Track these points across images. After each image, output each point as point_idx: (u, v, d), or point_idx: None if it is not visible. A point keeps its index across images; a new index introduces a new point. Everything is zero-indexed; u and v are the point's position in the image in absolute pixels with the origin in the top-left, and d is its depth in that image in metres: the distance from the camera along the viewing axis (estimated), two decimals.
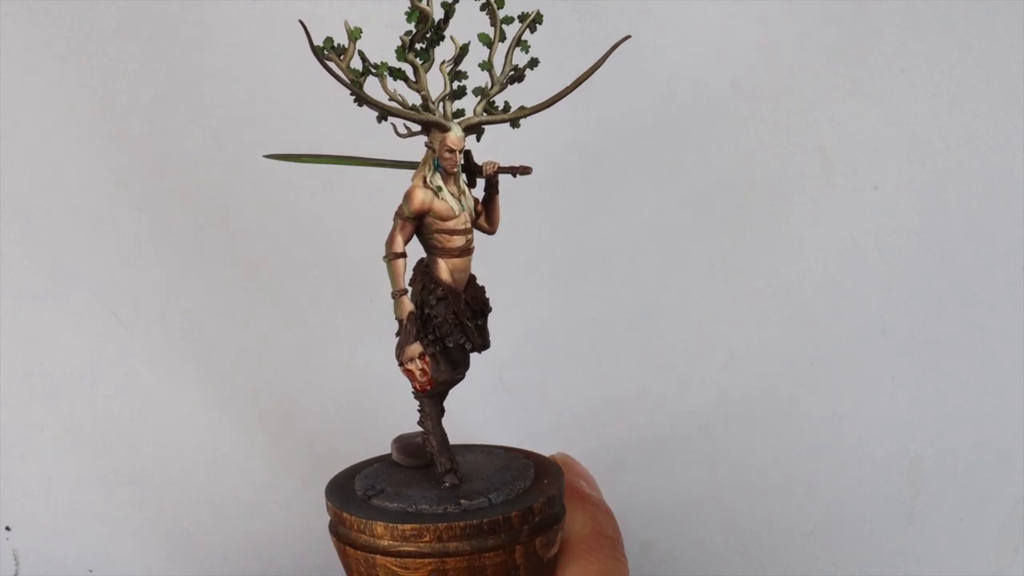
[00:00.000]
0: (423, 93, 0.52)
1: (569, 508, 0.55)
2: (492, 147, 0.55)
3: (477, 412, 0.79)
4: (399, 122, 0.52)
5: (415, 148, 0.54)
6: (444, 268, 0.53)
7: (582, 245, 0.81)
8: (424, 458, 0.56)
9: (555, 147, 0.78)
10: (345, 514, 0.52)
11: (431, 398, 0.55)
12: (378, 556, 0.51)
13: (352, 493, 0.54)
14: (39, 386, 0.78)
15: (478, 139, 0.55)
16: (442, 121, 0.52)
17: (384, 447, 0.60)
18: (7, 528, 0.78)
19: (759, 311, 0.81)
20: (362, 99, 0.50)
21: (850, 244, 0.81)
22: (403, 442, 0.58)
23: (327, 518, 0.55)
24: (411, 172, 0.54)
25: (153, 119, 0.77)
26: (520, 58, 0.54)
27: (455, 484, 0.53)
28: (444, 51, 0.53)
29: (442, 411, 0.56)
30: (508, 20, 0.53)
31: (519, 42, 0.53)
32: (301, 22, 0.47)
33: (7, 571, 0.78)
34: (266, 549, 0.80)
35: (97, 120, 0.76)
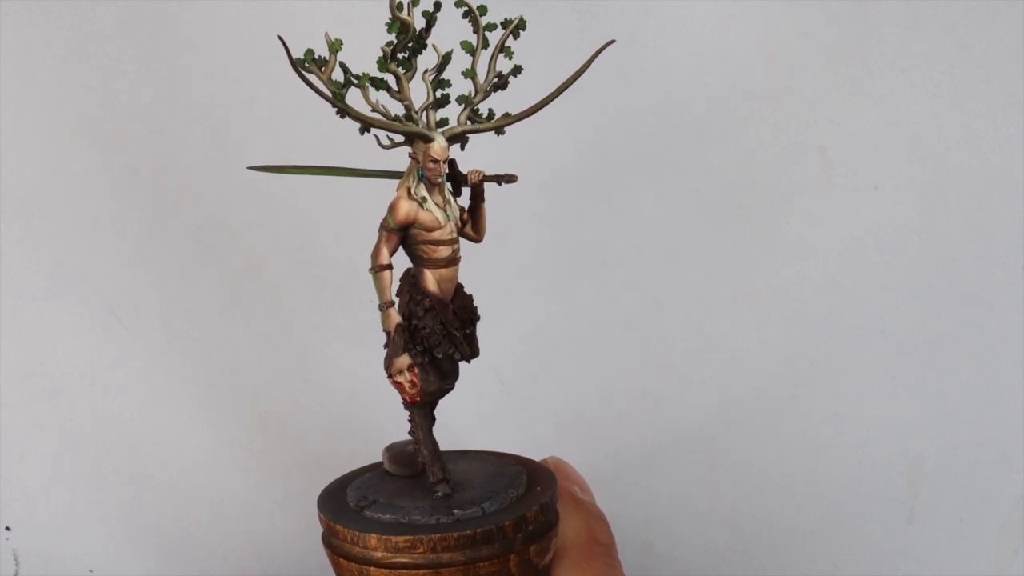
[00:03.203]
0: (406, 103, 0.51)
1: (563, 514, 0.55)
2: (487, 152, 0.55)
3: (476, 414, 0.79)
4: (382, 133, 0.52)
5: (404, 155, 0.53)
6: (431, 279, 0.53)
7: (582, 246, 0.81)
8: (416, 467, 0.56)
9: (555, 148, 0.78)
10: (338, 526, 0.51)
11: (421, 408, 0.54)
12: (372, 568, 0.50)
13: (345, 504, 0.54)
14: (39, 386, 0.78)
15: (462, 148, 0.54)
16: (425, 132, 0.51)
17: (383, 447, 0.60)
18: (7, 528, 0.78)
19: (759, 311, 0.81)
20: (343, 111, 0.50)
21: (850, 244, 0.81)
22: (395, 451, 0.57)
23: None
24: (390, 179, 0.54)
25: (153, 119, 0.77)
26: (504, 65, 0.53)
27: (447, 494, 0.53)
28: (427, 60, 0.52)
29: (433, 420, 0.56)
30: (491, 27, 0.52)
31: (503, 48, 0.53)
32: (280, 37, 0.47)
33: (7, 571, 0.78)
34: (266, 549, 0.80)
35: (97, 120, 0.76)
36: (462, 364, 0.55)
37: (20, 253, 0.77)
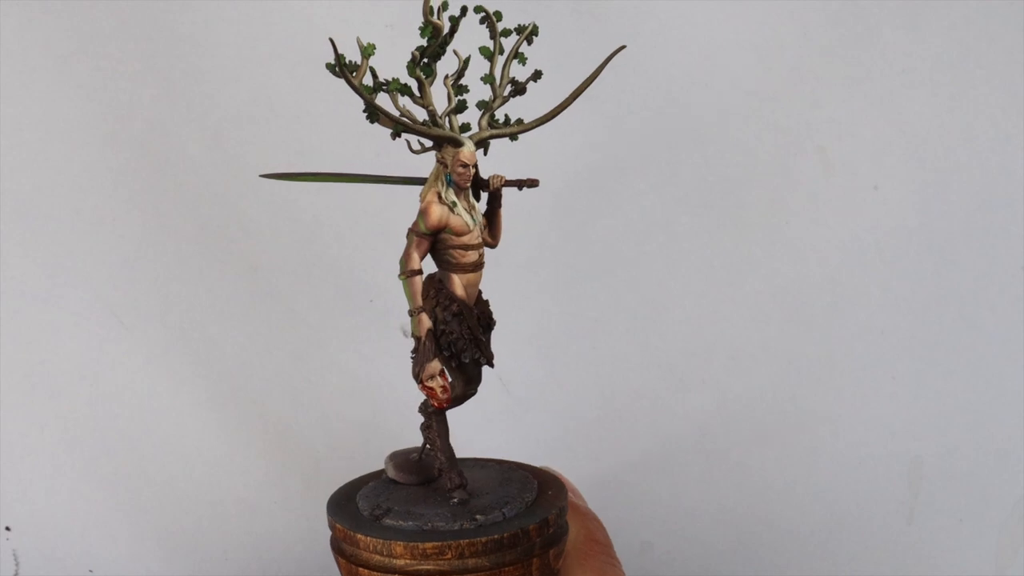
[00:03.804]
0: (430, 108, 0.51)
1: None
2: (491, 155, 0.55)
3: (478, 416, 0.79)
4: (412, 138, 0.52)
5: (404, 158, 0.53)
6: (458, 283, 0.53)
7: (583, 246, 0.81)
8: (422, 475, 0.56)
9: (554, 148, 0.78)
10: (359, 535, 0.51)
11: (438, 414, 0.54)
12: None
13: (358, 513, 0.53)
14: (39, 386, 0.78)
15: (485, 153, 0.54)
16: (456, 136, 0.51)
17: (384, 447, 0.60)
18: (7, 528, 0.78)
19: (759, 311, 0.81)
20: (379, 114, 0.50)
21: (850, 244, 0.81)
22: (399, 459, 0.57)
23: (327, 518, 0.55)
24: (405, 185, 0.54)
25: (153, 119, 0.77)
26: (518, 70, 0.53)
27: (464, 500, 0.53)
28: (445, 65, 0.52)
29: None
30: (506, 33, 0.53)
31: (516, 54, 0.53)
32: (331, 40, 0.47)
33: (7, 571, 0.78)
34: (266, 549, 0.80)
35: (97, 120, 0.76)
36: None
37: (20, 253, 0.77)
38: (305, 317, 0.80)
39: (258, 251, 0.79)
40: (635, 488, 0.81)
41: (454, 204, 0.52)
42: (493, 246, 0.55)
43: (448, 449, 0.54)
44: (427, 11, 0.49)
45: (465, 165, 0.51)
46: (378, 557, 0.51)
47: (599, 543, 0.55)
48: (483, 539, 0.49)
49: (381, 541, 0.50)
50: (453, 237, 0.52)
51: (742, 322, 0.81)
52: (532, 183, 0.54)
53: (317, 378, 0.80)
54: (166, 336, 0.79)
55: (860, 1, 0.78)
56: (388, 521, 0.52)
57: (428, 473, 0.56)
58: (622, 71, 0.79)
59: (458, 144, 0.51)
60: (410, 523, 0.51)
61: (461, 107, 0.53)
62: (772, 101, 0.80)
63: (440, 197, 0.52)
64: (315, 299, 0.79)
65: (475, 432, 0.77)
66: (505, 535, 0.50)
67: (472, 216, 0.53)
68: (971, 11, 0.78)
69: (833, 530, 0.82)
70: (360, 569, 0.51)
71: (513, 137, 0.54)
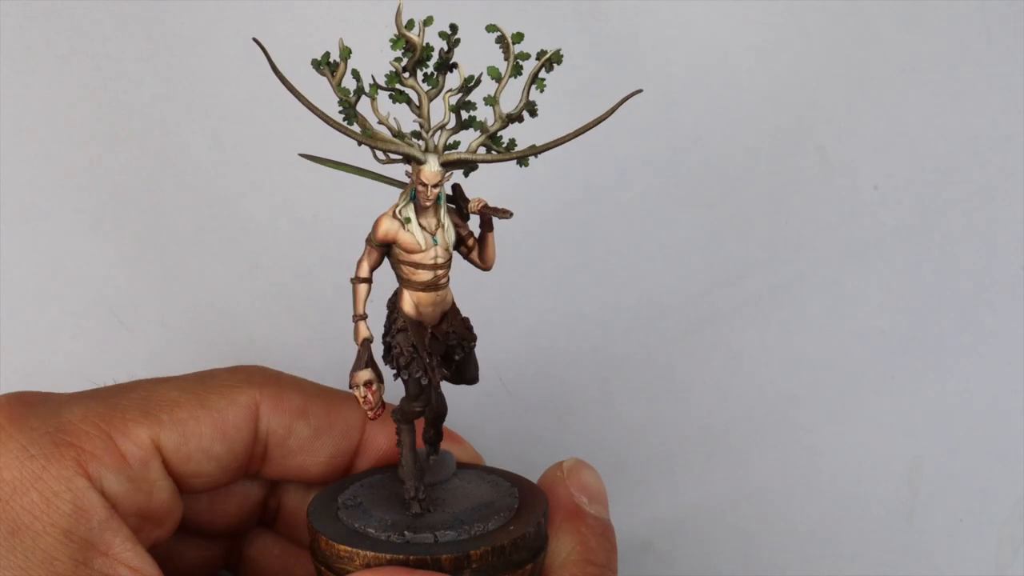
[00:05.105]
0: (419, 120, 0.50)
1: (559, 531, 0.53)
2: (491, 173, 0.54)
3: (477, 413, 0.79)
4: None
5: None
6: (408, 299, 0.52)
7: (582, 246, 0.81)
8: (430, 476, 0.55)
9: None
10: (309, 521, 0.52)
11: (406, 423, 0.54)
12: (323, 568, 0.51)
13: (333, 500, 0.54)
14: (39, 386, 0.78)
15: (466, 175, 0.53)
16: (416, 154, 0.50)
17: None
18: None
19: (759, 311, 0.81)
20: (335, 127, 0.49)
21: (850, 244, 0.81)
22: None
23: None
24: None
25: (153, 119, 0.77)
26: (534, 96, 0.51)
27: (418, 513, 0.52)
28: (458, 79, 0.51)
29: (438, 434, 0.56)
30: (524, 56, 0.50)
31: (535, 80, 0.50)
32: (256, 40, 0.46)
33: None
34: None
35: (97, 120, 0.76)
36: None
37: (20, 253, 0.77)
38: (305, 316, 0.80)
39: (258, 250, 0.79)
40: (635, 488, 0.81)
41: (408, 220, 0.51)
42: (485, 269, 0.54)
43: (411, 458, 0.53)
44: (400, 24, 0.48)
45: (424, 184, 0.50)
46: (317, 548, 0.51)
47: (595, 565, 0.52)
48: (387, 556, 0.49)
49: (314, 532, 0.51)
50: (403, 253, 0.51)
51: (742, 322, 0.81)
52: (505, 214, 0.52)
53: (318, 379, 0.80)
54: (166, 336, 0.78)
55: (860, 1, 0.78)
56: (340, 514, 0.52)
57: (436, 475, 0.56)
58: (621, 71, 0.79)
59: (420, 162, 0.50)
60: (351, 523, 0.51)
61: (469, 124, 0.51)
62: (772, 101, 0.80)
63: (396, 211, 0.51)
64: (316, 300, 0.79)
65: (475, 432, 0.77)
66: (411, 558, 0.49)
67: (434, 236, 0.51)
68: (971, 11, 0.78)
69: (833, 530, 0.82)
70: (311, 555, 0.52)
71: (522, 163, 0.51)
